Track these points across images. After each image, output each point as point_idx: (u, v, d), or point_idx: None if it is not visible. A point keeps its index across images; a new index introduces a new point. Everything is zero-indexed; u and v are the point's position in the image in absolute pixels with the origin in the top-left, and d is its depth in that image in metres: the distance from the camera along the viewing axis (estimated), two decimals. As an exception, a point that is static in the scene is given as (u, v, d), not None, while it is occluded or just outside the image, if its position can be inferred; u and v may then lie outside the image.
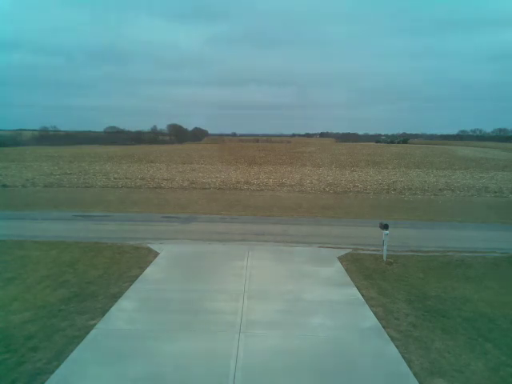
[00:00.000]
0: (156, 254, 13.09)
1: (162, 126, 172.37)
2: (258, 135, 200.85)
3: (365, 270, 11.94)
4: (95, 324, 8.28)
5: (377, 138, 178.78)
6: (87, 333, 7.91)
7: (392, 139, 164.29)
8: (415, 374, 6.73)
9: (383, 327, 8.35)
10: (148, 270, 11.55)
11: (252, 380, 6.50)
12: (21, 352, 7.24)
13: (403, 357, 7.24)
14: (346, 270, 11.82)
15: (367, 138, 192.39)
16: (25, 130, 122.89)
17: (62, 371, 6.68)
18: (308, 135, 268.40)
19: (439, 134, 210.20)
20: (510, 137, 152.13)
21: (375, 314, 8.98)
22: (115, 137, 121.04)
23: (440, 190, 30.49)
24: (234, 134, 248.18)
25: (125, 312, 8.89)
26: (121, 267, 11.83)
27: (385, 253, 12.89)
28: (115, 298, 9.60)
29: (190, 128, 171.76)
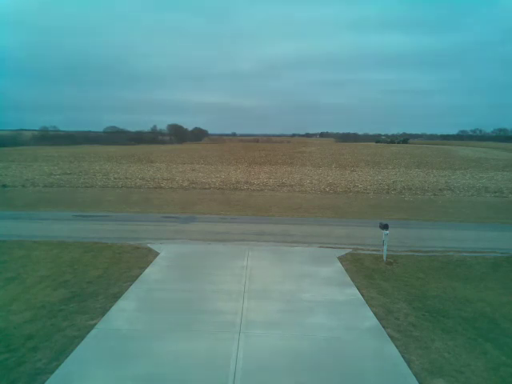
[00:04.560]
0: (156, 254, 13.09)
1: (162, 126, 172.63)
2: (257, 135, 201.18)
3: (365, 270, 11.93)
4: (95, 324, 8.28)
5: (377, 138, 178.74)
6: (87, 333, 7.91)
7: (392, 139, 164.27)
8: (415, 374, 6.73)
9: (383, 327, 8.35)
10: (148, 270, 11.55)
11: (252, 380, 6.49)
12: (21, 352, 7.25)
13: (403, 357, 7.24)
14: (346, 270, 11.82)
15: (367, 138, 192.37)
16: (25, 130, 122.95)
17: (62, 371, 6.68)
18: (308, 135, 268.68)
19: (439, 133, 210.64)
20: (510, 137, 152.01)
21: (375, 313, 8.98)
22: (115, 137, 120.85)
23: (440, 190, 30.49)
24: (234, 134, 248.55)
25: (125, 312, 8.88)
26: (121, 267, 11.83)
27: (385, 253, 12.89)
28: (115, 297, 9.60)
29: (190, 128, 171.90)
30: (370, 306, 9.41)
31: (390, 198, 27.04)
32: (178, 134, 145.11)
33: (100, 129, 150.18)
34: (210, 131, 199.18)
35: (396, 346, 7.59)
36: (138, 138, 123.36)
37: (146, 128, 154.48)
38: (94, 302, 9.36)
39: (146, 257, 12.85)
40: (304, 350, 7.39)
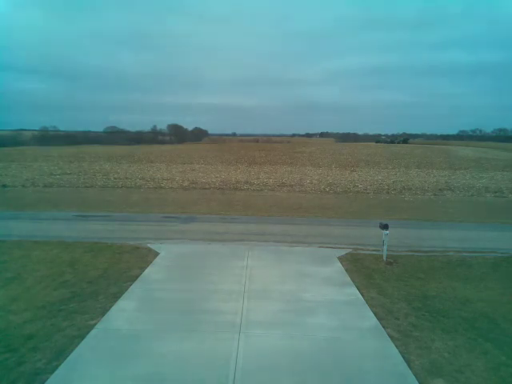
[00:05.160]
0: (156, 254, 13.09)
1: (162, 125, 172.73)
2: (257, 135, 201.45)
3: (365, 270, 11.93)
4: (95, 324, 8.29)
5: (377, 138, 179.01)
6: (87, 333, 7.91)
7: (392, 139, 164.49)
8: (415, 374, 6.73)
9: (383, 327, 8.35)
10: (148, 270, 11.55)
11: (252, 380, 6.50)
12: (21, 352, 7.25)
13: (403, 357, 7.24)
14: (346, 270, 11.82)
15: (367, 138, 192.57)
16: (25, 130, 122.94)
17: (62, 371, 6.68)
18: (308, 135, 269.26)
19: (439, 133, 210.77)
20: (510, 137, 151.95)
21: (375, 313, 8.98)
22: (115, 137, 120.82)
23: (440, 190, 30.49)
24: (234, 134, 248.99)
25: (125, 312, 8.88)
26: (121, 267, 11.83)
27: (385, 253, 12.89)
28: (115, 297, 9.60)
29: (190, 128, 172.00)
30: (370, 306, 9.41)
31: (390, 198, 27.04)
32: (177, 134, 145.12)
33: (100, 129, 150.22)
34: (209, 131, 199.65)
35: (396, 346, 7.60)
36: (138, 138, 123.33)
37: (146, 128, 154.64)
38: (94, 302, 9.36)
39: (146, 257, 12.85)
40: (304, 350, 7.39)
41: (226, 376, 6.52)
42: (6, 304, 9.19)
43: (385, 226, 12.66)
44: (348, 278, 11.16)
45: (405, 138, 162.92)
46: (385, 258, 12.84)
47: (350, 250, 14.04)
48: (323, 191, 29.26)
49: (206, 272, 11.45)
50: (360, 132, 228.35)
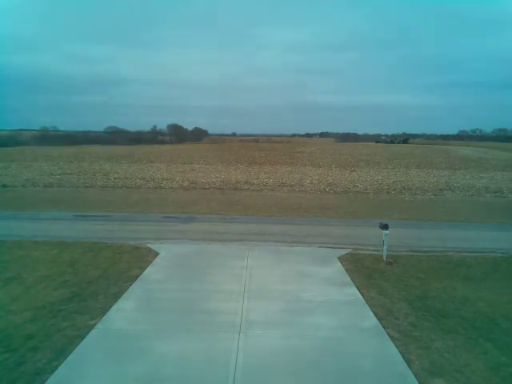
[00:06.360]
0: (156, 254, 13.09)
1: (162, 125, 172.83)
2: (257, 135, 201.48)
3: (365, 270, 11.93)
4: (95, 324, 8.28)
5: (377, 138, 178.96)
6: (87, 333, 7.91)
7: (392, 139, 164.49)
8: (415, 374, 6.73)
9: (383, 327, 8.35)
10: (148, 270, 11.55)
11: (252, 380, 6.50)
12: (21, 352, 7.25)
13: (403, 357, 7.24)
14: (346, 270, 11.82)
15: (367, 138, 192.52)
16: (25, 130, 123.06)
17: (62, 371, 6.68)
18: (308, 135, 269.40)
19: (439, 133, 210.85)
20: (510, 137, 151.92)
21: (375, 314, 8.98)
22: (115, 137, 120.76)
23: (440, 190, 30.50)
24: (234, 134, 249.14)
25: (125, 312, 8.88)
26: (121, 267, 11.83)
27: (385, 253, 12.89)
28: (115, 297, 9.60)
29: (190, 128, 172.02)
30: (370, 306, 9.41)
31: (390, 198, 27.04)
32: (177, 134, 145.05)
33: (100, 129, 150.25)
34: (210, 131, 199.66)
35: (396, 346, 7.60)
36: (138, 138, 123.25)
37: (146, 128, 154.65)
38: (94, 302, 9.36)
39: (146, 257, 12.85)
40: (304, 350, 7.39)
41: (225, 376, 6.52)
42: (6, 304, 9.19)
43: (385, 226, 12.66)
44: (348, 278, 11.16)
45: (405, 138, 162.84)
46: (385, 258, 12.84)
47: (350, 250, 14.04)
48: (323, 191, 29.26)
49: (206, 272, 11.45)
50: (360, 132, 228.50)
